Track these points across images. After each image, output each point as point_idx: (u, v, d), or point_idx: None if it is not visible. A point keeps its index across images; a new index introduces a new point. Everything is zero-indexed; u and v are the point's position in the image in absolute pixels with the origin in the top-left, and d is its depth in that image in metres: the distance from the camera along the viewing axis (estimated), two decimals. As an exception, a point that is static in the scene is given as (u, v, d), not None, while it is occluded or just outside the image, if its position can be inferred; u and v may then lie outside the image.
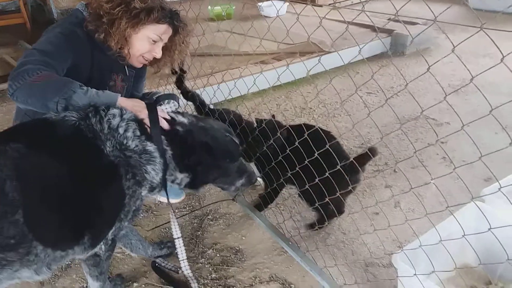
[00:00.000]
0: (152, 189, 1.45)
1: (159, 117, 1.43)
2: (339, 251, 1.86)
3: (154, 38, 1.60)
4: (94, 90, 1.38)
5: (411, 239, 1.63)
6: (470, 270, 1.62)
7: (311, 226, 1.95)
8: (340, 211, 1.89)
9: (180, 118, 1.50)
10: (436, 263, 1.30)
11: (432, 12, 1.15)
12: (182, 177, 1.49)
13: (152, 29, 1.58)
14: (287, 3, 5.00)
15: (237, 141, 1.59)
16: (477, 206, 1.33)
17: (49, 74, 1.35)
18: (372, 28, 4.36)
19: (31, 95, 1.32)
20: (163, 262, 1.80)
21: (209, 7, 5.11)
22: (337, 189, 1.57)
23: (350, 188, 1.61)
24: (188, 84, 2.87)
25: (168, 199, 1.55)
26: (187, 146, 1.44)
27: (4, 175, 1.12)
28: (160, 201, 2.22)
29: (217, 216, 2.10)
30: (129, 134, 1.34)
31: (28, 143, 1.21)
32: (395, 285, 1.65)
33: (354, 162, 1.64)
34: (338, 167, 1.52)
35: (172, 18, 1.63)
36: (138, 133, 1.36)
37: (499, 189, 1.06)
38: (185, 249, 1.87)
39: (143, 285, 1.73)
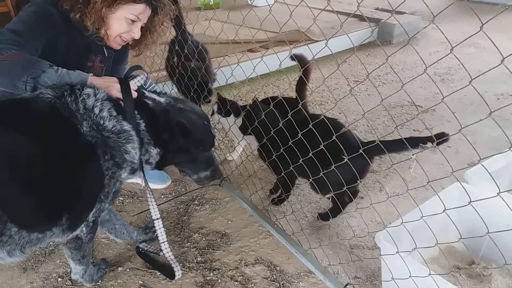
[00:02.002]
0: (133, 171, 1.43)
1: (131, 90, 1.40)
2: (324, 234, 1.87)
3: (131, 18, 1.55)
4: (64, 70, 1.34)
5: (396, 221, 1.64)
6: (453, 251, 1.64)
7: (325, 217, 1.91)
8: (356, 194, 1.87)
9: (154, 96, 1.48)
10: (419, 243, 1.32)
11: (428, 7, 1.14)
12: (156, 152, 1.46)
13: (129, 9, 1.53)
14: (276, -7, 4.98)
15: (213, 132, 1.57)
16: (461, 185, 1.34)
17: (18, 53, 1.31)
18: (360, 17, 4.36)
19: (1, 73, 1.28)
20: (146, 246, 1.79)
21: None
22: (357, 176, 1.47)
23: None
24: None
25: (144, 177, 1.53)
26: (162, 121, 1.42)
27: None
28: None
29: (203, 201, 2.10)
30: (105, 114, 1.31)
31: (0, 120, 1.18)
32: (379, 266, 1.67)
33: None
34: (360, 151, 1.44)
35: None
36: (114, 113, 1.33)
37: (479, 161, 1.05)
38: (170, 233, 1.88)
39: (128, 270, 1.72)
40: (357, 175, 1.46)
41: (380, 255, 1.38)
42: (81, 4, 1.49)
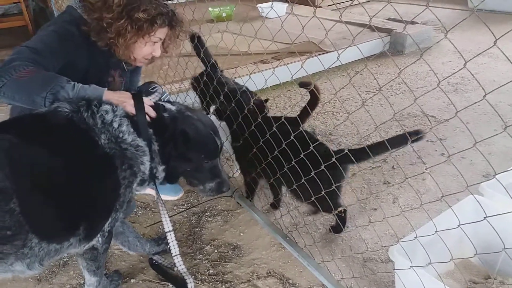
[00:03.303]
0: (142, 182, 1.45)
1: (146, 105, 1.42)
2: (336, 246, 1.85)
3: (155, 40, 1.62)
4: (80, 85, 1.37)
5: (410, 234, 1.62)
6: (469, 265, 1.61)
7: (336, 229, 1.93)
8: (337, 204, 1.82)
9: (169, 107, 1.50)
10: (434, 257, 1.30)
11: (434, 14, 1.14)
12: (162, 169, 1.48)
13: (155, 35, 1.59)
14: (287, 5, 5.02)
15: (218, 142, 1.57)
16: (476, 198, 1.32)
17: (36, 69, 1.34)
18: (371, 28, 4.37)
19: (18, 91, 1.32)
20: (160, 259, 1.79)
21: (210, 8, 5.12)
22: (319, 181, 1.59)
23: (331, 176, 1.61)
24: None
25: (157, 190, 1.55)
26: (168, 134, 1.44)
27: None
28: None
29: (215, 213, 2.10)
30: (124, 128, 1.35)
31: (20, 133, 1.21)
32: (392, 280, 1.65)
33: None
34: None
35: (171, 21, 1.63)
36: (131, 129, 1.36)
37: (494, 176, 1.04)
38: (183, 245, 1.89)
39: (141, 281, 1.72)
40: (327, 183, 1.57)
41: (394, 269, 1.36)
42: (112, 39, 1.54)
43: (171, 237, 1.61)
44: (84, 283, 1.64)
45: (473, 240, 1.31)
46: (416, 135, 1.45)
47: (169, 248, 1.63)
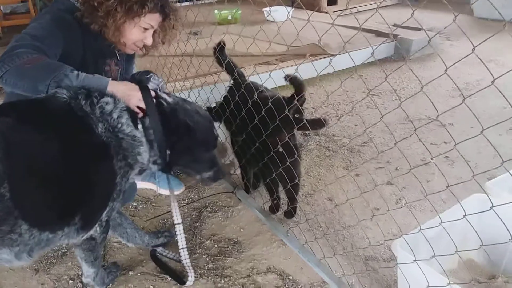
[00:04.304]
0: (141, 172, 1.45)
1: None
2: (338, 244, 1.83)
3: (145, 26, 1.60)
4: (84, 74, 1.36)
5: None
6: (473, 264, 1.58)
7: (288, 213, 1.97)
8: (292, 180, 1.84)
9: (165, 97, 1.49)
10: (437, 254, 1.27)
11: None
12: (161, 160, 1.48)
13: (145, 19, 1.57)
14: (293, 9, 5.04)
15: (216, 133, 1.59)
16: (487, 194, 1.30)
17: (40, 57, 1.33)
18: (377, 33, 4.37)
19: (22, 78, 1.30)
20: (164, 251, 1.78)
21: (216, 11, 5.15)
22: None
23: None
24: (199, 81, 2.89)
25: (169, 183, 1.56)
26: (171, 122, 1.43)
27: None
28: (160, 193, 2.21)
29: (216, 209, 2.08)
30: (123, 120, 1.34)
31: (16, 117, 1.19)
32: (395, 279, 1.62)
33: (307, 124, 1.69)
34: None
35: (163, 7, 1.62)
36: (130, 122, 1.36)
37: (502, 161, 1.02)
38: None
39: (139, 274, 1.70)
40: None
41: (397, 263, 1.33)
42: (102, 18, 1.52)
43: (179, 230, 1.60)
44: (81, 274, 1.63)
45: (477, 240, 1.29)
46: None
47: (177, 239, 1.62)
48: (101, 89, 1.35)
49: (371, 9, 5.81)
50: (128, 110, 1.37)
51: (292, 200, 1.89)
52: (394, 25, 4.72)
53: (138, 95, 1.40)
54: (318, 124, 1.77)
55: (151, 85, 1.51)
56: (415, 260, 1.20)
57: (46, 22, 1.48)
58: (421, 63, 4.08)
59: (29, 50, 1.33)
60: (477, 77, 3.63)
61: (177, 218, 1.60)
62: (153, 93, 1.45)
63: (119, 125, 1.33)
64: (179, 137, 1.46)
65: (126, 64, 1.86)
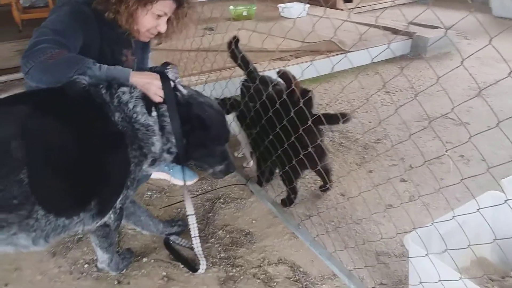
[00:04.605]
0: (153, 162, 1.47)
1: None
2: (350, 239, 1.83)
3: (159, 13, 1.59)
4: (106, 66, 1.40)
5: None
6: (486, 263, 1.58)
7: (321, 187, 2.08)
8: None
9: (182, 89, 1.52)
10: (449, 251, 1.27)
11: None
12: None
13: (158, 6, 1.57)
14: (308, 6, 5.03)
15: (228, 127, 1.64)
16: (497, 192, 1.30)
17: (62, 51, 1.36)
18: (393, 30, 4.34)
19: (46, 73, 1.34)
20: (177, 240, 1.80)
21: (231, 7, 5.16)
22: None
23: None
24: (214, 75, 2.91)
25: (183, 174, 1.58)
26: (185, 115, 1.46)
27: (9, 134, 1.13)
28: (174, 184, 2.24)
29: (229, 200, 2.10)
30: (138, 109, 1.37)
31: (34, 105, 1.23)
32: (406, 274, 1.62)
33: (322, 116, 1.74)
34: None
35: None
36: (144, 110, 1.38)
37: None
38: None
39: (152, 261, 1.74)
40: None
41: (408, 257, 1.34)
42: (115, 5, 1.53)
43: (192, 220, 1.62)
44: (97, 259, 1.67)
45: (490, 239, 1.28)
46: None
47: (189, 229, 1.64)
48: (123, 80, 1.39)
49: (387, 7, 5.76)
50: (143, 98, 1.39)
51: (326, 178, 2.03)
52: (410, 23, 4.67)
53: (158, 83, 1.43)
54: (334, 119, 1.78)
55: (170, 75, 1.53)
56: (427, 254, 1.20)
57: (65, 15, 1.49)
58: (438, 61, 4.04)
59: (51, 45, 1.36)
60: (495, 77, 3.58)
61: (189, 209, 1.62)
62: (172, 84, 1.48)
63: (135, 115, 1.36)
64: (193, 130, 1.48)
65: (142, 54, 1.88)
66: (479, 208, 1.10)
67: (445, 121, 2.88)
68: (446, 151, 1.46)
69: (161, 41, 1.81)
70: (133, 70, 1.46)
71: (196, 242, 1.65)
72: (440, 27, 4.36)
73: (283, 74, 1.90)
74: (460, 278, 1.10)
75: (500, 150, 2.45)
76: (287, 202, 2.01)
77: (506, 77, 1.00)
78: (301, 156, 1.77)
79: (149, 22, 1.61)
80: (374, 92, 3.25)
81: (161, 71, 1.54)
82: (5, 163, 1.10)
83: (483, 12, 5.37)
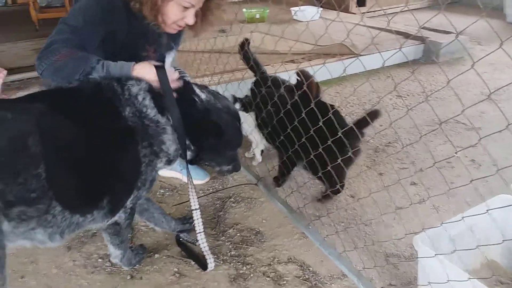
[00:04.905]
0: (169, 162, 1.49)
1: (170, 77, 1.45)
2: (359, 240, 1.85)
3: (185, 5, 1.56)
4: (110, 62, 1.42)
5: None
6: (496, 266, 1.58)
7: (319, 199, 2.06)
8: (342, 182, 1.95)
9: (199, 94, 1.54)
10: (459, 253, 1.28)
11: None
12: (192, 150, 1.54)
13: None
14: (321, 9, 5.05)
15: (242, 131, 1.68)
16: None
17: (70, 51, 1.40)
18: (405, 35, 4.33)
19: (55, 74, 1.40)
20: (187, 237, 1.84)
21: (244, 9, 5.21)
22: (338, 156, 1.69)
23: (350, 154, 1.72)
24: (227, 77, 2.95)
25: (188, 169, 1.59)
26: (201, 123, 1.49)
27: (28, 130, 1.15)
28: (185, 182, 2.27)
29: (239, 199, 2.13)
30: (147, 102, 1.38)
31: (49, 103, 1.26)
32: (415, 276, 1.63)
33: (354, 128, 1.76)
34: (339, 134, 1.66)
35: None
36: (152, 104, 1.39)
37: None
38: (207, 227, 1.93)
39: (164, 257, 1.77)
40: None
41: (417, 257, 1.35)
42: None
43: (196, 215, 1.64)
44: (110, 254, 1.71)
45: (501, 244, 1.29)
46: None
47: (194, 225, 1.67)
48: (125, 75, 1.41)
49: (401, 11, 5.75)
50: (151, 91, 1.41)
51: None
52: (423, 28, 4.67)
53: (153, 70, 1.43)
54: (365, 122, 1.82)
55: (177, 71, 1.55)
56: (436, 255, 1.21)
57: (90, 7, 1.49)
58: (450, 66, 4.03)
59: (62, 45, 1.40)
60: (507, 82, 3.56)
61: (194, 204, 1.62)
62: (175, 75, 1.50)
63: (144, 109, 1.37)
64: (208, 136, 1.52)
65: (165, 54, 1.87)
66: (489, 209, 1.10)
67: (457, 126, 2.88)
68: (456, 153, 1.47)
69: (196, 34, 1.78)
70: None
71: (201, 238, 1.65)
72: (453, 33, 4.35)
73: (302, 72, 1.95)
74: (469, 278, 1.11)
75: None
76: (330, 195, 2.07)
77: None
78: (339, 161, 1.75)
79: (174, 13, 1.58)
80: (384, 95, 3.26)
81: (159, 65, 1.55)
82: (24, 157, 1.13)
83: (498, 19, 5.34)
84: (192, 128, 1.48)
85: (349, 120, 2.10)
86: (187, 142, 1.51)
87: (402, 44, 1.58)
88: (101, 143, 1.31)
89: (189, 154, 1.56)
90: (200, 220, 1.65)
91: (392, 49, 3.92)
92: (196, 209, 1.64)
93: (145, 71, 1.44)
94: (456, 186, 2.20)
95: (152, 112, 1.39)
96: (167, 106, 1.41)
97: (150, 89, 1.41)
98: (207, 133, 1.51)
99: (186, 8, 1.58)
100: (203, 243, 1.66)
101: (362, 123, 1.83)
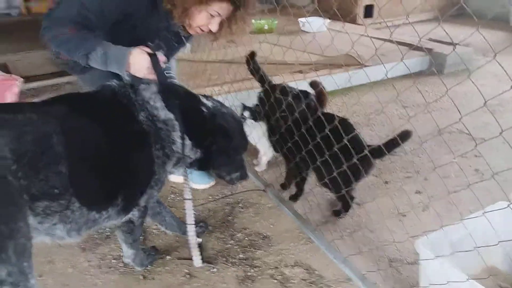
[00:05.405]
0: (178, 161, 1.55)
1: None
2: (364, 246, 1.90)
3: (213, 13, 1.67)
4: (110, 45, 1.57)
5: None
6: (496, 271, 1.63)
7: (337, 213, 2.10)
8: (352, 197, 2.06)
9: (206, 103, 1.63)
10: (460, 258, 1.33)
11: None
12: (193, 151, 1.60)
13: (214, 6, 1.65)
14: (328, 20, 5.15)
15: (247, 137, 1.75)
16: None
17: (75, 29, 1.54)
18: (411, 46, 4.40)
19: (60, 47, 1.59)
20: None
21: (253, 20, 5.32)
22: (357, 174, 1.79)
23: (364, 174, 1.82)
24: (237, 86, 3.04)
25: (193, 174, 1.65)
26: (209, 126, 1.57)
27: (51, 130, 1.23)
28: (194, 187, 2.35)
29: (248, 205, 2.20)
30: (158, 104, 1.48)
31: (69, 106, 1.35)
32: (418, 280, 1.68)
33: (382, 147, 1.83)
34: (366, 151, 1.74)
35: None
36: (163, 104, 1.49)
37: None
38: (216, 230, 2.00)
39: (175, 259, 1.84)
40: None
41: (419, 259, 1.41)
42: None
43: (188, 206, 1.68)
44: (123, 255, 1.78)
45: (499, 249, 1.33)
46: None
47: (202, 226, 1.74)
48: (121, 59, 1.56)
49: (407, 23, 5.84)
50: (161, 92, 1.50)
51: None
52: (429, 39, 4.74)
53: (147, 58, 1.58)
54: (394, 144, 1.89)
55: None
56: (436, 257, 1.27)
57: None
58: (455, 78, 4.07)
59: (70, 21, 1.55)
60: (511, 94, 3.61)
61: (187, 194, 1.68)
62: (163, 58, 1.64)
63: (155, 111, 1.46)
64: (217, 139, 1.59)
65: (168, 52, 1.94)
66: (485, 212, 1.16)
67: (461, 136, 2.94)
68: (454, 158, 1.53)
69: (216, 39, 1.88)
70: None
71: (191, 230, 1.68)
72: (459, 44, 4.42)
73: (314, 83, 2.03)
74: (468, 279, 1.16)
75: (515, 164, 2.49)
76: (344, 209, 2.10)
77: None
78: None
79: (202, 19, 1.69)
80: (386, 103, 3.33)
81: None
82: (48, 155, 1.20)
83: (505, 31, 5.40)
84: (199, 132, 1.57)
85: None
86: (191, 143, 1.57)
87: (403, 56, 1.64)
88: (118, 144, 1.39)
89: (194, 155, 1.62)
90: (192, 212, 1.69)
91: (397, 60, 3.99)
92: (189, 199, 1.68)
93: (140, 57, 1.57)
94: (459, 195, 2.26)
95: (162, 113, 1.48)
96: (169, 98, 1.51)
97: (160, 91, 1.52)
98: (215, 135, 1.58)
99: (212, 16, 1.69)
100: (192, 236, 1.68)
101: (391, 144, 1.88)
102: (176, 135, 1.50)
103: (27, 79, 3.81)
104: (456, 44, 4.65)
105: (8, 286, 1.06)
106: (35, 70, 4.30)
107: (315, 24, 5.16)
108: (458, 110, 1.40)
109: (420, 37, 1.47)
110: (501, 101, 3.47)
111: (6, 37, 5.48)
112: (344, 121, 1.89)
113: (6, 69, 4.07)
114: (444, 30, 1.28)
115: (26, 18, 7.14)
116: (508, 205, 1.09)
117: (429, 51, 4.29)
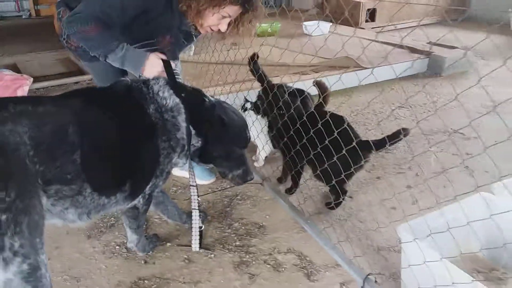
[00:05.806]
0: (182, 149, 1.64)
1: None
2: (354, 235, 2.00)
3: (224, 15, 1.81)
4: (129, 47, 1.74)
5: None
6: (475, 258, 1.71)
7: (329, 205, 2.18)
8: (345, 191, 2.16)
9: (209, 96, 1.76)
10: (441, 245, 1.42)
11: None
12: (196, 140, 1.69)
13: (227, 9, 1.77)
14: (331, 24, 5.26)
15: (249, 135, 1.81)
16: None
17: (99, 27, 1.69)
18: (411, 49, 4.51)
19: (82, 42, 1.75)
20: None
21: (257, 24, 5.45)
22: (351, 167, 1.85)
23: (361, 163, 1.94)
24: (238, 86, 3.16)
25: (190, 161, 1.75)
26: (207, 114, 1.68)
27: (67, 121, 1.34)
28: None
29: (245, 197, 2.31)
30: (166, 94, 1.60)
31: (84, 99, 1.47)
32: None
33: (386, 139, 1.95)
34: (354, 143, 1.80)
35: (244, 2, 1.80)
36: (171, 91, 1.61)
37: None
38: (214, 220, 2.12)
39: (175, 245, 1.95)
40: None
41: (400, 242, 1.51)
42: (189, 0, 1.79)
43: (193, 191, 1.77)
44: (126, 242, 1.90)
45: (481, 236, 1.42)
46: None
47: (202, 215, 1.84)
48: (138, 62, 1.75)
49: (410, 26, 5.94)
50: (169, 84, 1.64)
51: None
52: (429, 43, 4.84)
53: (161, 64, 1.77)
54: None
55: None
56: (415, 239, 1.37)
57: None
58: (453, 80, 4.17)
59: (93, 18, 1.68)
60: (509, 96, 3.68)
61: (192, 181, 1.76)
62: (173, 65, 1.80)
63: (164, 101, 1.58)
64: (212, 126, 1.68)
65: (175, 47, 2.09)
66: (457, 195, 1.26)
67: (454, 135, 3.02)
68: (430, 147, 1.63)
69: (223, 38, 2.03)
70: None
71: (195, 215, 1.74)
72: (457, 47, 4.51)
73: (318, 82, 2.13)
74: (441, 258, 1.26)
75: (506, 163, 2.57)
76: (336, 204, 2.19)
77: None
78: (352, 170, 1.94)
79: (213, 20, 1.84)
80: (391, 109, 3.42)
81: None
82: (64, 145, 1.32)
83: (505, 35, 5.47)
84: (200, 120, 1.67)
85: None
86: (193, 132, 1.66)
87: (394, 60, 1.73)
88: (128, 136, 1.51)
89: (197, 144, 1.71)
90: (196, 197, 1.76)
91: (397, 62, 4.10)
92: (193, 186, 1.76)
93: (155, 62, 1.76)
94: (448, 191, 2.35)
95: (170, 100, 1.60)
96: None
97: (168, 83, 1.65)
98: (212, 122, 1.68)
99: (224, 17, 1.84)
100: (195, 221, 1.76)
101: (393, 137, 1.96)
102: (181, 118, 1.60)
103: (36, 78, 3.97)
104: (456, 47, 4.72)
105: (20, 257, 1.17)
106: (44, 70, 4.46)
107: (318, 27, 5.28)
108: (455, 113, 1.48)
109: (428, 41, 1.57)
110: (498, 103, 3.54)
111: (16, 38, 5.68)
112: (335, 116, 2.00)
113: (16, 69, 4.23)
114: (454, 35, 1.35)
115: (35, 21, 7.37)
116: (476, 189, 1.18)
117: (428, 53, 4.38)
